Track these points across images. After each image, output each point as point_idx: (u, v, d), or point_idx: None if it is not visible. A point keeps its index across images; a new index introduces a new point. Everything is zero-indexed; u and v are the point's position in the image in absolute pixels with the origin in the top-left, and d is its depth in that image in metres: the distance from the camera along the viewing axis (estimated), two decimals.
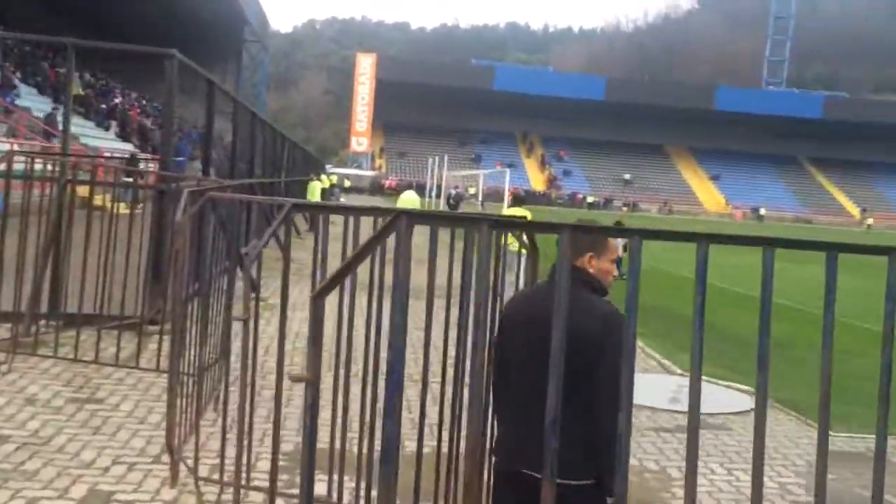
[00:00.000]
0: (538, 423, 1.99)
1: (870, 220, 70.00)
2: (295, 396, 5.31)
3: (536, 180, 76.23)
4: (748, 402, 6.77)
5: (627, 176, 78.88)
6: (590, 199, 70.25)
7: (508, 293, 3.29)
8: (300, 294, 6.71)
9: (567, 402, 1.98)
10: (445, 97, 78.23)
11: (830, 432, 2.00)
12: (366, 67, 78.38)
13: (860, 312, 11.52)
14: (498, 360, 2.68)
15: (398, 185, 67.68)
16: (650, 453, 5.38)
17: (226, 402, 3.88)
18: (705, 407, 6.42)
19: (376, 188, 68.43)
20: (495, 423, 2.78)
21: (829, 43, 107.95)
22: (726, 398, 6.90)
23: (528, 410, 2.36)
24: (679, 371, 7.77)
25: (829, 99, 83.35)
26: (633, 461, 5.24)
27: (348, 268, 2.31)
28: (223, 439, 3.81)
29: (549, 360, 1.91)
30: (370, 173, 73.27)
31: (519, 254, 13.16)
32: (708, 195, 77.63)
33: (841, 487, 4.94)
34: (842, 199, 78.65)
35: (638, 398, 6.68)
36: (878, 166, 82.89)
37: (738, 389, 7.22)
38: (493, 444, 2.73)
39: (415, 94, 77.45)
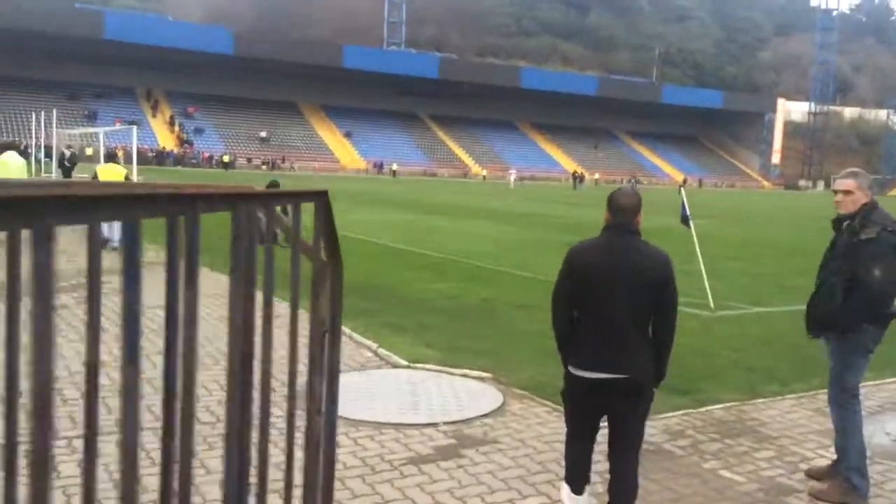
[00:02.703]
0: (621, 340, 3.43)
1: (484, 172, 77.62)
2: None
3: (165, 139, 70.00)
4: (497, 395, 5.71)
5: (263, 133, 76.50)
6: (225, 159, 66.61)
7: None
8: None
9: (643, 323, 3.47)
10: (46, 45, 67.20)
11: None
12: None
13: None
14: (575, 296, 3.54)
15: None
16: None
17: None
18: (455, 413, 5.19)
19: None
20: (572, 345, 3.57)
21: (438, 7, 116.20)
22: (470, 392, 5.75)
23: (613, 333, 3.44)
24: (404, 362, 6.45)
25: (443, 60, 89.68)
26: None
27: None
28: None
29: (632, 294, 3.40)
30: None
31: None
32: (343, 152, 78.86)
33: None
34: (460, 153, 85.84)
35: (374, 413, 5.22)
36: (486, 122, 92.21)
37: (476, 377, 6.14)
38: (573, 361, 3.54)
39: (6, 40, 65.23)
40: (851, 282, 4.10)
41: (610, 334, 3.41)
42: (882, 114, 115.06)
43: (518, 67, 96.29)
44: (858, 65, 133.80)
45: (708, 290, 9.16)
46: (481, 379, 6.08)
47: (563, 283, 3.57)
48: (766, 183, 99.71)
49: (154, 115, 73.82)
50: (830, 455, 4.75)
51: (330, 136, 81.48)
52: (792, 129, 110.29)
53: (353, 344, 6.94)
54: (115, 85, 73.64)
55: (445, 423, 5.04)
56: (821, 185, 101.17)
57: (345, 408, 5.20)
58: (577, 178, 65.26)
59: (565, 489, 3.77)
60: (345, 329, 7.28)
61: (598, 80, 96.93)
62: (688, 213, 9.04)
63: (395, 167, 73.47)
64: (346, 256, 9.63)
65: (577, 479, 3.70)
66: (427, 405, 5.40)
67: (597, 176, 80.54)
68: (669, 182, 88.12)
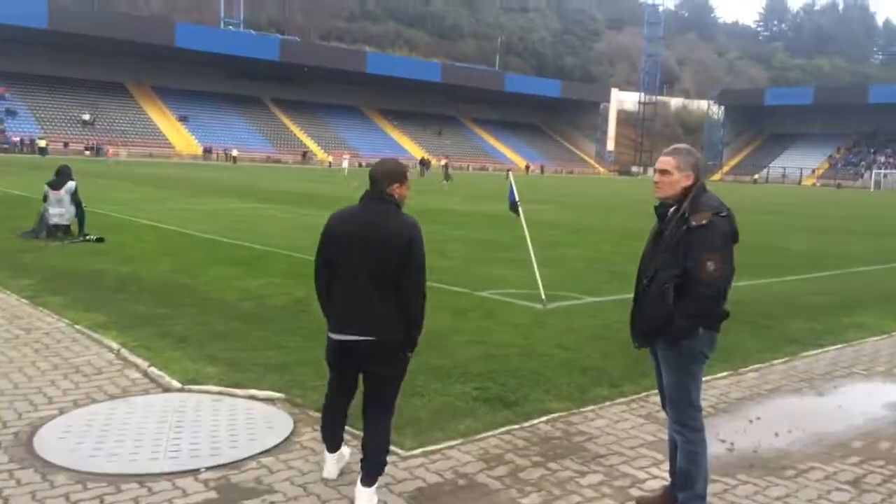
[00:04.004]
0: (367, 303, 3.53)
1: (330, 158, 75.74)
2: None
3: None
4: (286, 421, 4.71)
5: (87, 116, 70.42)
6: (41, 143, 60.57)
7: None
8: None
9: (390, 287, 3.53)
10: None
11: None
12: None
13: None
14: (326, 260, 3.68)
15: None
16: None
17: None
18: (227, 452, 4.14)
19: None
20: (328, 308, 3.74)
21: None
22: (254, 420, 4.71)
23: (359, 295, 3.55)
24: (178, 384, 5.28)
25: (284, 42, 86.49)
26: None
27: None
28: None
29: (377, 258, 3.51)
30: None
31: None
32: (178, 137, 74.18)
33: None
34: (305, 138, 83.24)
35: (117, 462, 4.05)
36: (332, 108, 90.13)
37: (265, 399, 5.10)
38: (329, 324, 3.71)
39: None
40: (682, 278, 3.45)
41: (356, 297, 3.55)
42: (703, 104, 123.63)
43: (364, 52, 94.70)
44: (682, 58, 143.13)
45: (539, 281, 8.59)
46: (271, 401, 5.06)
47: (320, 248, 3.71)
48: (602, 169, 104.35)
49: None
50: (662, 473, 4.17)
51: (163, 119, 76.35)
52: (624, 117, 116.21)
53: (120, 363, 5.68)
54: None
55: (209, 469, 3.99)
56: (650, 170, 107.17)
57: (76, 457, 4.03)
58: (424, 165, 64.83)
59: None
60: (112, 344, 6.02)
61: (442, 66, 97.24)
62: (516, 198, 8.40)
63: (235, 153, 70.05)
64: (152, 252, 8.22)
65: (329, 441, 3.91)
66: (192, 444, 4.30)
67: (443, 162, 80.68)
68: (514, 169, 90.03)
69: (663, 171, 3.62)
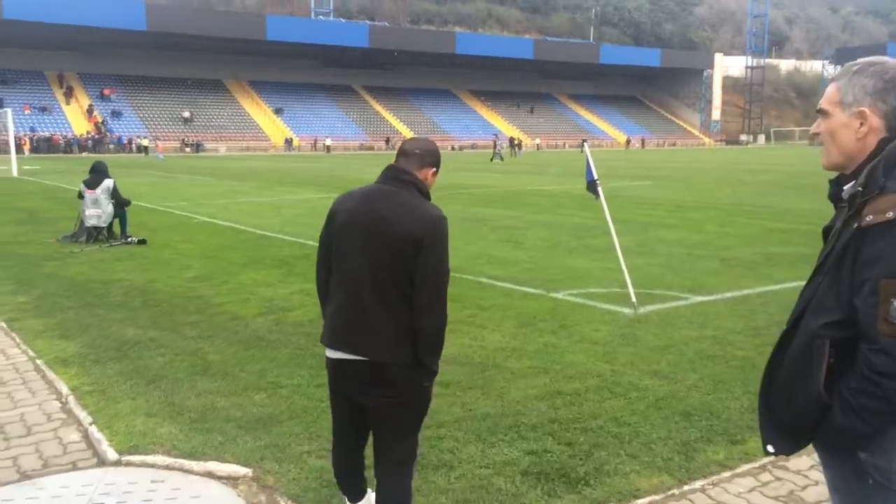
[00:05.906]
0: (363, 312, 2.63)
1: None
2: None
3: (80, 126, 65.26)
4: None
5: (187, 114, 72.17)
6: (144, 142, 62.33)
7: None
8: None
9: (394, 293, 2.61)
10: None
11: None
12: None
13: None
14: (325, 249, 2.83)
15: None
16: None
17: None
18: None
19: None
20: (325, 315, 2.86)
21: None
22: None
23: (354, 301, 2.67)
24: (114, 455, 3.86)
25: (373, 28, 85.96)
26: None
27: None
28: None
29: (378, 254, 2.60)
30: None
31: None
32: (274, 129, 75.03)
33: None
34: (397, 124, 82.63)
35: None
36: (423, 91, 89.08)
37: (225, 477, 3.63)
38: (323, 335, 2.82)
39: None
40: (847, 329, 1.68)
41: (351, 303, 2.70)
42: (817, 65, 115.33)
43: (453, 33, 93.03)
44: (792, 17, 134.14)
45: (627, 279, 6.80)
46: (233, 480, 3.59)
47: (322, 233, 2.87)
48: (707, 139, 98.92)
49: (68, 102, 68.71)
50: None
51: (259, 112, 77.44)
52: (730, 84, 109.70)
53: (60, 419, 4.34)
54: (22, 68, 68.40)
55: None
56: (761, 138, 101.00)
57: None
58: (517, 145, 62.51)
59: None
60: (63, 388, 4.70)
61: (535, 42, 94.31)
62: (594, 176, 6.63)
63: (328, 142, 70.12)
64: (188, 255, 6.58)
65: (346, 491, 3.07)
66: None
67: (538, 141, 78.34)
68: (612, 143, 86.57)
69: (821, 112, 1.88)
